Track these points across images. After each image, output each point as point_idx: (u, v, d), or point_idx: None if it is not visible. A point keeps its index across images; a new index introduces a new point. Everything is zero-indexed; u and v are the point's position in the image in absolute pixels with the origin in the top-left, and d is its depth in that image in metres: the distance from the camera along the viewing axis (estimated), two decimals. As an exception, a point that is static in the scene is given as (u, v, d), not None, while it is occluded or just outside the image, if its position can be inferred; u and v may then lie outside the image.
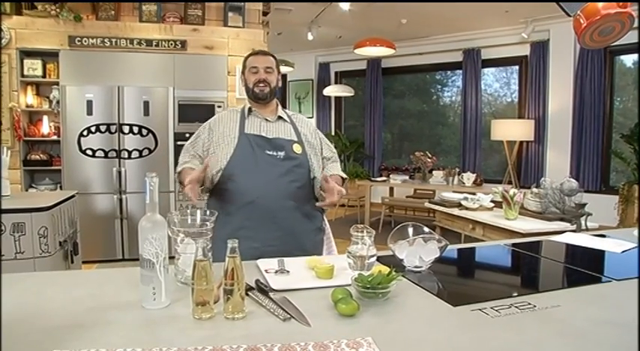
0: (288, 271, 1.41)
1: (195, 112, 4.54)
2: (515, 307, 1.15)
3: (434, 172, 5.92)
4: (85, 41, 4.33)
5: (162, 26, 4.56)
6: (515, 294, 1.25)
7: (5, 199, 2.73)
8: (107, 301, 1.18)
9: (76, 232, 3.24)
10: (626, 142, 5.43)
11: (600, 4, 1.76)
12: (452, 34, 6.82)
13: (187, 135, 4.41)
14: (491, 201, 3.70)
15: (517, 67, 6.71)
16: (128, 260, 4.40)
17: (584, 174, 5.89)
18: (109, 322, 1.06)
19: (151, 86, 4.44)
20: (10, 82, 4.24)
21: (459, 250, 1.87)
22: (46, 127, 4.52)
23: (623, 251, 1.75)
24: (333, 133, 8.13)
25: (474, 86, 6.80)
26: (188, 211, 1.35)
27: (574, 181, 3.23)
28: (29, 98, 4.46)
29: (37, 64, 4.35)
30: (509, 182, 6.11)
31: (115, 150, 4.37)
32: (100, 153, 4.34)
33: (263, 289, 1.24)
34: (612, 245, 1.82)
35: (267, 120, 1.91)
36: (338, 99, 8.34)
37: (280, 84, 2.02)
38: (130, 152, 4.40)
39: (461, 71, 6.99)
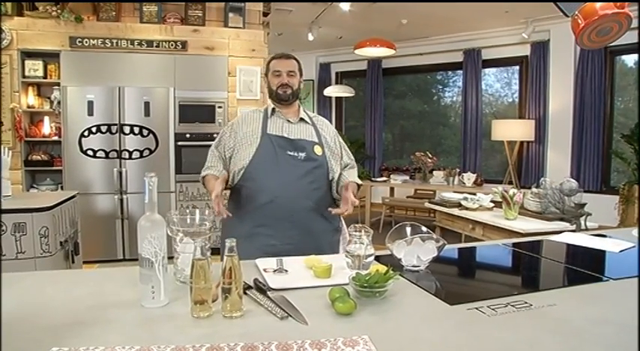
0: (286, 271, 1.42)
1: (196, 113, 4.55)
2: (512, 306, 1.16)
3: (434, 172, 5.92)
4: (86, 42, 4.35)
5: (162, 27, 4.57)
6: (512, 293, 1.26)
7: (6, 200, 2.74)
8: (107, 300, 1.19)
9: (76, 232, 3.25)
10: (626, 142, 5.43)
11: (598, 5, 1.77)
12: (452, 35, 6.82)
13: (188, 135, 4.54)
14: (491, 201, 3.71)
15: (517, 68, 6.71)
16: (129, 260, 4.41)
17: (585, 174, 5.88)
18: (109, 320, 1.07)
19: (151, 87, 4.45)
20: (12, 83, 4.25)
21: (457, 249, 1.88)
22: (47, 127, 4.53)
23: (621, 251, 1.75)
24: (333, 134, 8.12)
25: (474, 86, 6.80)
26: (187, 210, 1.37)
27: (574, 181, 3.24)
28: (30, 99, 4.48)
29: (38, 64, 4.36)
30: (510, 182, 6.11)
31: (115, 150, 4.38)
32: (100, 153, 4.36)
33: (261, 288, 1.25)
34: (610, 245, 1.82)
35: (289, 121, 1.96)
36: (339, 99, 8.35)
37: (303, 86, 2.07)
38: (130, 152, 4.41)
39: (461, 71, 6.99)
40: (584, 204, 3.20)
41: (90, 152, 4.33)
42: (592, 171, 5.87)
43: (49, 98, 4.51)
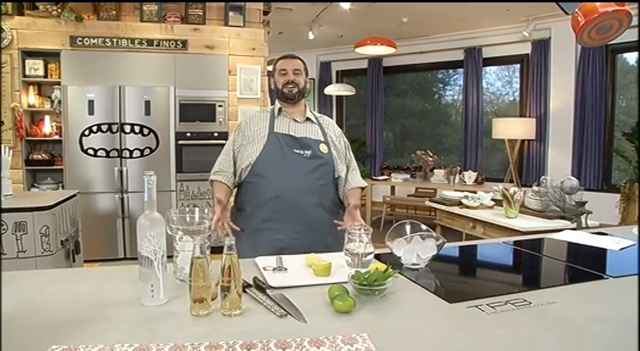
0: (285, 269, 1.42)
1: (196, 112, 4.55)
2: (511, 303, 1.16)
3: (435, 170, 5.92)
4: (87, 41, 4.35)
5: (163, 26, 4.57)
6: (512, 291, 1.26)
7: (7, 199, 2.75)
8: (106, 298, 1.20)
9: (77, 231, 3.26)
10: (627, 140, 5.42)
11: (598, 2, 1.76)
12: (453, 33, 6.81)
13: (188, 134, 4.54)
14: (492, 199, 3.70)
15: (518, 66, 6.70)
16: (130, 259, 4.42)
17: (586, 172, 5.87)
18: (108, 318, 1.07)
19: (152, 86, 4.45)
20: (12, 83, 4.26)
21: (457, 247, 1.88)
22: (47, 126, 4.54)
23: (621, 249, 1.75)
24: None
25: (475, 85, 6.79)
26: (187, 209, 1.37)
27: (574, 179, 3.24)
28: (31, 98, 4.49)
29: (39, 64, 4.37)
30: (511, 181, 6.11)
31: (116, 149, 4.39)
32: (101, 152, 4.36)
33: (260, 286, 1.25)
34: (611, 243, 1.82)
35: (295, 120, 2.00)
36: (339, 98, 8.34)
37: (308, 85, 2.11)
38: (131, 151, 4.41)
39: (462, 70, 6.98)
40: (585, 202, 3.19)
41: (90, 151, 4.34)
42: (593, 169, 5.86)
43: (49, 97, 4.51)
